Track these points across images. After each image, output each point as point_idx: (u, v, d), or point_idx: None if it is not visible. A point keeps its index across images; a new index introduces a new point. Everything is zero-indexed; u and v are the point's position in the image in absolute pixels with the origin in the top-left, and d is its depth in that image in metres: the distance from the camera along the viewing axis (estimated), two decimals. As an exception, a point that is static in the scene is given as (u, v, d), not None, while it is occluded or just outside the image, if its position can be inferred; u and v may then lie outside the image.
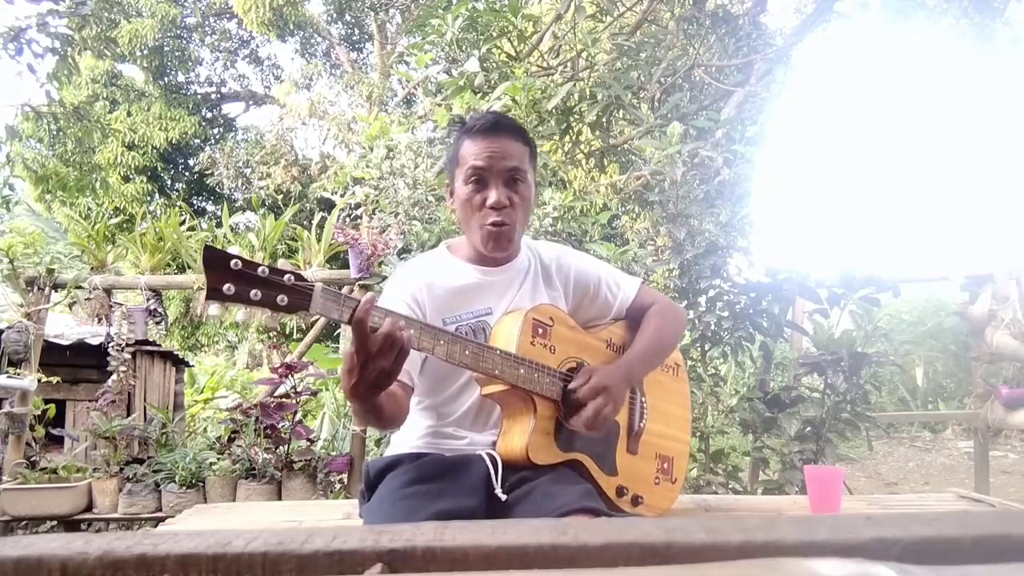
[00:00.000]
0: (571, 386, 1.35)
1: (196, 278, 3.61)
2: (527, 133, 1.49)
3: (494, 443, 1.40)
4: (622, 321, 1.58)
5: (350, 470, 3.27)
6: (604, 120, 3.70)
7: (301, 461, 3.15)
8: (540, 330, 1.38)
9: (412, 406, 1.44)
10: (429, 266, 1.48)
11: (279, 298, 1.05)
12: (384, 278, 3.16)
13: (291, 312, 1.07)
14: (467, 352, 1.25)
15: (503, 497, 1.31)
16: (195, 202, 12.34)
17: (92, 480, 3.23)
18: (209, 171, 10.73)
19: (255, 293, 1.03)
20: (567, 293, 1.53)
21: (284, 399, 3.21)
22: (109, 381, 3.42)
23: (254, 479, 3.09)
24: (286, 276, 1.06)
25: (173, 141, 11.12)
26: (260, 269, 1.04)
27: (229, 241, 4.08)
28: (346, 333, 3.73)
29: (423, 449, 1.42)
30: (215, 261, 1.01)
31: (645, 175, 3.15)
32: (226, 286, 1.01)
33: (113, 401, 3.37)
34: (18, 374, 3.38)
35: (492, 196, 1.38)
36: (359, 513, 1.48)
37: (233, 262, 1.01)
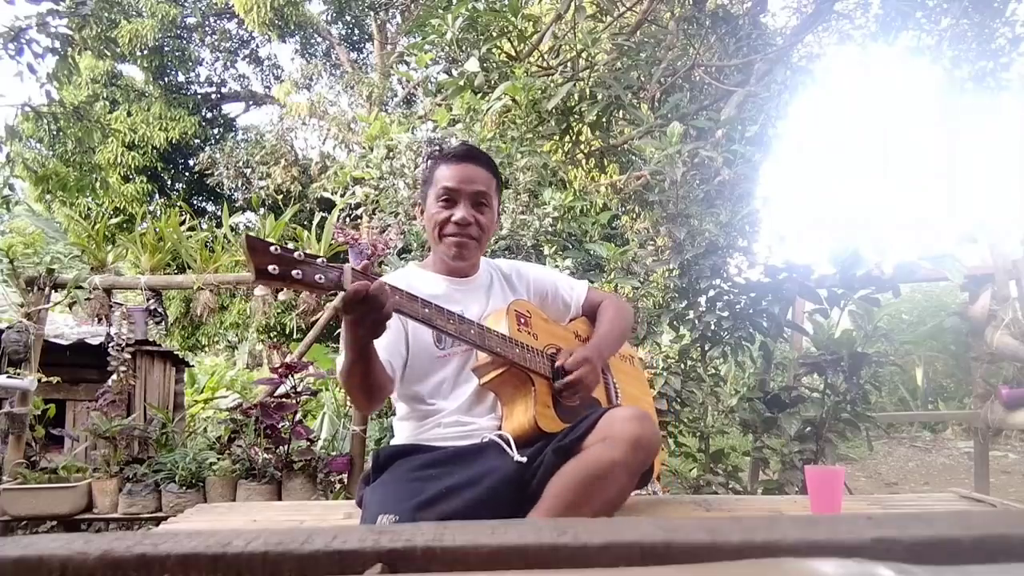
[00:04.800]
0: (558, 362, 1.52)
1: (196, 278, 3.61)
2: (496, 166, 1.67)
3: (498, 427, 1.52)
4: (581, 318, 1.81)
5: (350, 470, 3.26)
6: (604, 120, 3.69)
7: (301, 461, 3.15)
8: (522, 320, 1.56)
9: (411, 412, 1.58)
10: (404, 277, 1.63)
11: (317, 277, 1.13)
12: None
13: (326, 291, 1.17)
14: (472, 331, 1.40)
15: (523, 459, 1.41)
16: (195, 202, 12.32)
17: (92, 480, 3.23)
18: (209, 171, 10.72)
19: (297, 272, 1.11)
20: (529, 296, 1.72)
21: (284, 399, 3.20)
22: (109, 381, 3.42)
23: (254, 479, 3.09)
24: (319, 259, 1.15)
25: (173, 141, 11.11)
26: (296, 253, 1.12)
27: (229, 241, 4.08)
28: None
29: (433, 442, 1.52)
30: (257, 246, 1.09)
31: (645, 175, 3.15)
32: (271, 266, 1.09)
33: (113, 401, 3.37)
34: (18, 374, 3.38)
35: (459, 213, 1.55)
36: (357, 501, 1.56)
37: (273, 247, 1.10)
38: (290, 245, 1.25)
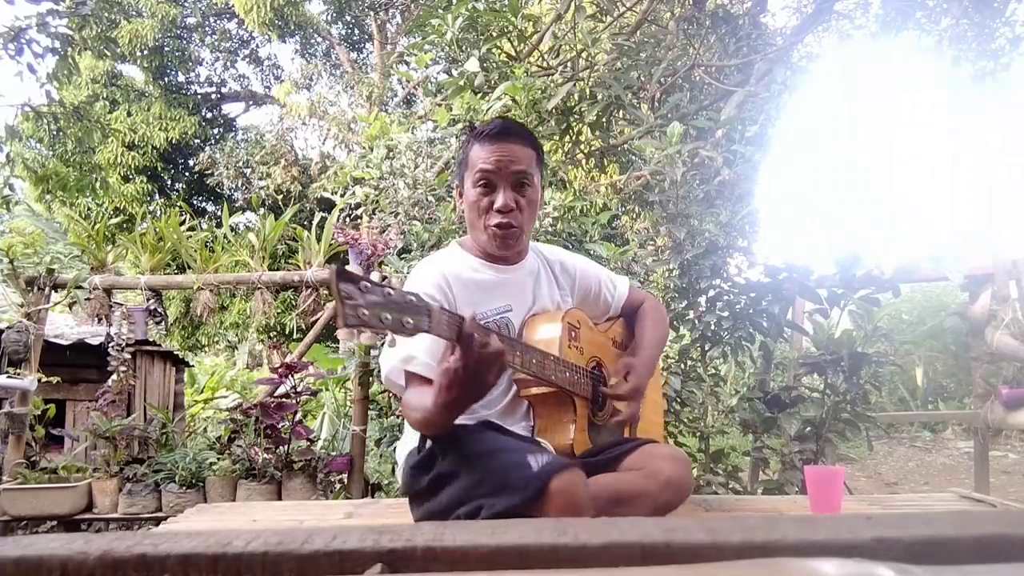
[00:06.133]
0: (615, 389, 1.49)
1: (196, 278, 3.61)
2: (535, 138, 1.54)
3: (529, 436, 1.48)
4: (619, 320, 1.73)
5: (350, 470, 3.26)
6: (604, 120, 3.69)
7: (301, 461, 3.15)
8: (572, 333, 1.49)
9: None
10: (450, 261, 1.53)
11: (405, 321, 1.03)
12: (384, 278, 3.15)
13: (412, 335, 1.06)
14: (534, 361, 1.34)
15: None
16: (195, 202, 12.33)
17: (92, 480, 3.23)
18: (209, 171, 10.73)
19: (385, 317, 1.01)
20: (573, 293, 1.64)
21: (284, 399, 3.20)
22: (109, 381, 3.42)
23: (254, 479, 3.09)
24: (408, 297, 1.05)
25: (173, 141, 11.11)
26: (386, 291, 1.02)
27: (229, 241, 4.08)
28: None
29: None
30: (348, 284, 0.98)
31: (645, 175, 3.15)
32: (361, 311, 0.98)
33: (113, 401, 3.37)
34: (18, 374, 3.38)
35: (499, 199, 1.44)
36: (411, 492, 1.47)
37: (362, 284, 0.99)
38: (375, 276, 1.16)
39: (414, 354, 1.35)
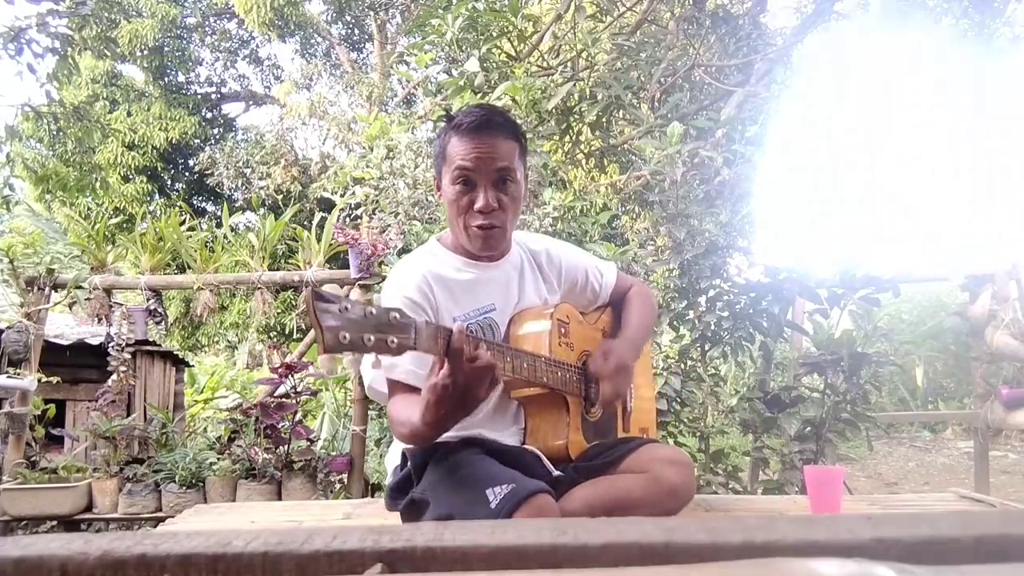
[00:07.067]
0: (593, 369, 1.42)
1: (196, 278, 3.61)
2: (517, 127, 1.45)
3: (520, 441, 1.45)
4: (607, 308, 1.67)
5: (350, 470, 3.26)
6: (604, 120, 3.69)
7: (301, 461, 3.15)
8: (562, 330, 1.45)
9: None
10: (430, 261, 1.46)
11: (389, 340, 1.00)
12: (384, 278, 3.15)
13: (398, 354, 1.03)
14: (524, 366, 1.30)
15: (558, 474, 1.38)
16: (195, 202, 12.33)
17: (92, 480, 3.23)
18: (209, 171, 10.73)
19: (368, 338, 0.97)
20: (559, 284, 1.58)
21: (284, 399, 3.20)
22: (109, 381, 3.41)
23: (254, 479, 3.09)
24: (391, 314, 1.01)
25: (173, 141, 11.12)
26: (367, 310, 0.98)
27: (229, 241, 4.08)
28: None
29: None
30: (326, 308, 0.95)
31: (645, 175, 3.15)
32: (342, 335, 0.95)
33: (113, 401, 3.37)
34: (18, 374, 3.38)
35: (480, 200, 1.36)
36: (399, 509, 1.44)
37: (341, 306, 0.96)
38: (354, 295, 1.13)
39: (397, 361, 1.28)
